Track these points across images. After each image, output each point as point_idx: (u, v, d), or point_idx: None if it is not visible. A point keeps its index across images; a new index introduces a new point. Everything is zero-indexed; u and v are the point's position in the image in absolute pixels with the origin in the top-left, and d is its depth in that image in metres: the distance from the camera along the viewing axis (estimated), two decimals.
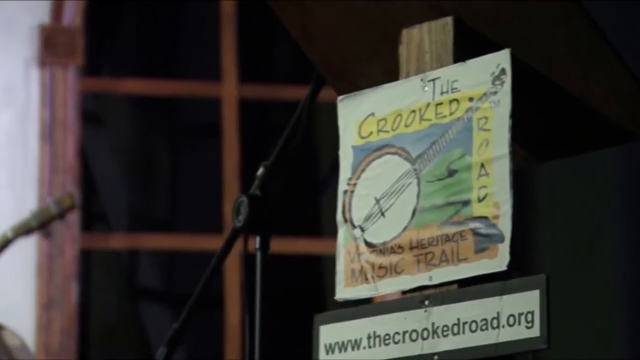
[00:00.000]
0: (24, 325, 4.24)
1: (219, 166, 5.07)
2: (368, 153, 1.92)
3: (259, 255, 1.97)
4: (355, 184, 1.92)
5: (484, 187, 1.79)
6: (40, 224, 3.63)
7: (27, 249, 4.57)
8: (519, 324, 1.71)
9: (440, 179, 1.83)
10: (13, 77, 4.91)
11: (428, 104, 1.86)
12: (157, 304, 5.29)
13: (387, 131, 1.90)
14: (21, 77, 4.91)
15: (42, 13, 4.97)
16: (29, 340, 3.95)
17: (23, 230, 3.62)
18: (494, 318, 1.73)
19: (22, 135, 4.88)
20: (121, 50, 5.43)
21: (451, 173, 1.82)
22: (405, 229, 1.85)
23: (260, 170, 2.03)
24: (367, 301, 1.90)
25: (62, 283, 4.82)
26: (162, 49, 5.48)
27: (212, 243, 4.91)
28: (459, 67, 1.84)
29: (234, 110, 5.12)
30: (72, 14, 5.02)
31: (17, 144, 4.87)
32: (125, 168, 5.42)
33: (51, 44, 4.96)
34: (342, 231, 1.92)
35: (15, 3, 4.93)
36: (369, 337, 1.85)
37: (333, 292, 1.93)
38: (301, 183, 5.19)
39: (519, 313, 1.71)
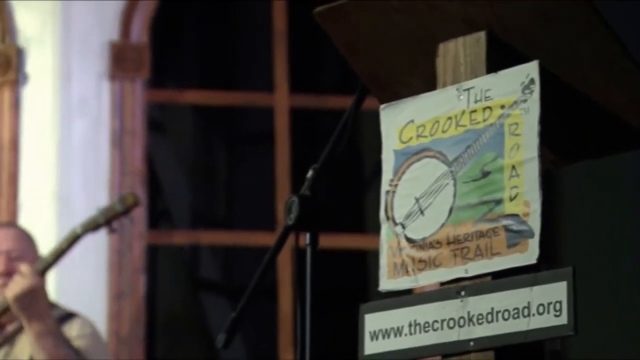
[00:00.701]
0: (96, 314, 4.25)
1: (272, 169, 5.08)
2: (408, 156, 1.91)
3: (309, 251, 1.97)
4: (396, 185, 1.92)
5: (515, 187, 1.78)
6: (106, 221, 3.64)
7: (98, 245, 4.59)
8: (548, 312, 1.70)
9: (474, 180, 1.83)
10: (87, 89, 4.93)
11: (463, 112, 1.86)
12: (217, 295, 5.31)
13: (425, 136, 1.90)
14: (94, 89, 4.94)
15: (112, 31, 4.99)
16: (101, 328, 3.97)
17: (91, 226, 3.63)
18: (524, 307, 1.73)
19: (95, 142, 4.90)
20: (183, 64, 5.45)
21: (485, 174, 1.82)
22: (442, 225, 1.85)
23: (310, 173, 2.02)
24: (408, 292, 1.90)
25: (130, 276, 4.84)
26: (220, 63, 5.50)
27: (266, 239, 4.92)
28: (492, 77, 1.83)
29: (285, 118, 5.12)
30: (139, 32, 5.04)
31: (90, 149, 4.89)
32: (188, 171, 5.44)
33: (120, 60, 4.98)
34: (385, 228, 1.92)
35: (88, 22, 4.96)
36: (410, 325, 1.84)
37: (377, 284, 1.92)
38: (347, 184, 5.19)
39: (548, 302, 1.71)
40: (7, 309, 3.57)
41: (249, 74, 5.42)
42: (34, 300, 3.45)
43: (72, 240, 3.61)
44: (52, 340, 3.45)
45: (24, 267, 3.51)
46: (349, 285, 5.17)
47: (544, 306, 1.71)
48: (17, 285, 3.45)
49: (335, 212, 4.92)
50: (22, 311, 3.44)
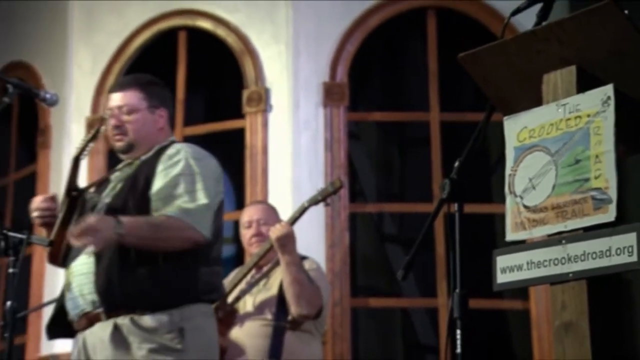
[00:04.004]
0: (319, 257, 4.31)
1: (429, 162, 5.05)
2: (523, 151, 1.88)
3: (457, 215, 1.95)
4: (516, 170, 1.88)
5: (598, 169, 1.73)
6: (322, 198, 3.68)
7: (319, 213, 4.66)
8: (623, 253, 1.65)
9: (570, 166, 1.78)
10: (309, 114, 5.01)
11: (561, 120, 1.81)
12: (395, 244, 5.30)
13: (535, 137, 1.86)
14: (313, 113, 5.01)
15: (324, 75, 5.05)
16: (322, 266, 4.02)
17: (312, 202, 3.68)
18: (607, 250, 1.68)
19: (314, 148, 4.97)
20: (370, 95, 5.46)
21: (577, 162, 1.77)
22: (548, 196, 1.81)
23: (456, 163, 2.00)
24: (524, 242, 1.86)
25: (339, 233, 4.89)
26: (393, 93, 5.49)
27: (426, 208, 4.90)
28: (580, 96, 1.79)
29: (437, 128, 5.09)
30: (342, 75, 5.08)
31: (312, 152, 4.96)
32: (374, 165, 5.45)
33: (329, 93, 5.04)
34: (509, 199, 1.89)
35: (309, 70, 5.03)
36: (527, 263, 1.81)
37: (502, 236, 1.89)
38: (480, 170, 5.10)
39: (623, 247, 1.66)
40: (265, 253, 3.64)
41: (412, 99, 5.39)
42: (288, 240, 3.52)
43: (302, 211, 3.67)
44: (296, 268, 3.51)
45: (283, 222, 3.61)
46: (482, 238, 5.08)
47: (620, 249, 1.66)
48: (279, 230, 3.54)
49: (472, 189, 4.84)
50: (280, 247, 3.51)
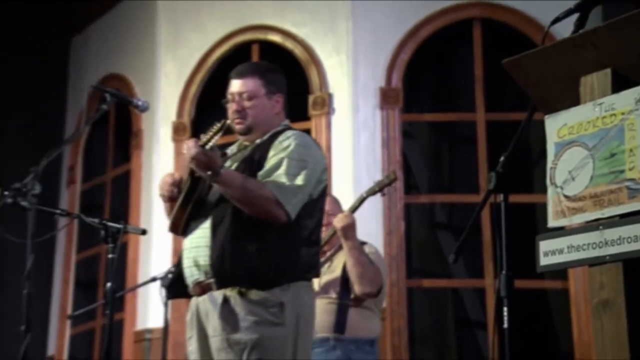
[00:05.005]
0: (377, 243, 4.32)
1: (476, 157, 5.00)
2: (563, 146, 1.85)
3: (502, 205, 1.93)
4: (556, 163, 1.86)
5: (632, 162, 1.70)
6: (379, 189, 3.67)
7: (377, 204, 4.65)
8: None
9: (606, 159, 1.75)
10: (367, 115, 5.01)
11: (597, 117, 1.78)
12: (446, 231, 5.26)
13: (574, 134, 1.83)
14: (371, 115, 5.01)
15: (380, 81, 5.05)
16: (380, 251, 4.01)
17: (370, 192, 3.68)
18: None
19: (372, 145, 4.97)
20: (422, 98, 5.43)
21: (612, 155, 1.74)
22: (586, 187, 1.78)
23: (501, 158, 1.98)
24: (564, 228, 1.83)
25: (395, 221, 4.88)
26: (444, 96, 5.44)
27: (473, 198, 4.86)
28: (615, 95, 1.76)
29: (483, 127, 5.04)
30: (396, 80, 5.07)
31: (370, 149, 4.96)
32: (426, 160, 5.41)
33: (385, 97, 5.03)
34: (550, 190, 1.86)
35: (367, 77, 5.04)
36: (567, 247, 1.79)
37: (544, 223, 1.87)
38: (522, 163, 5.03)
39: None
40: (330, 238, 3.66)
41: (460, 101, 5.34)
42: (350, 227, 3.53)
43: (361, 201, 3.68)
44: (357, 252, 3.52)
45: (345, 211, 3.61)
46: (525, 225, 5.00)
47: None
48: (342, 219, 3.55)
49: (516, 181, 4.76)
50: (343, 234, 3.53)
